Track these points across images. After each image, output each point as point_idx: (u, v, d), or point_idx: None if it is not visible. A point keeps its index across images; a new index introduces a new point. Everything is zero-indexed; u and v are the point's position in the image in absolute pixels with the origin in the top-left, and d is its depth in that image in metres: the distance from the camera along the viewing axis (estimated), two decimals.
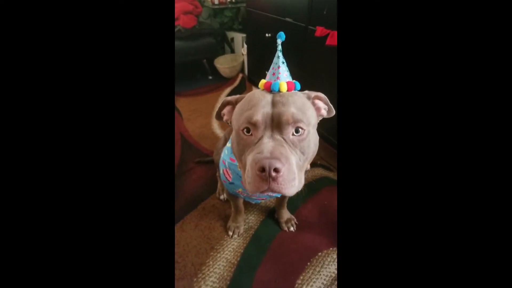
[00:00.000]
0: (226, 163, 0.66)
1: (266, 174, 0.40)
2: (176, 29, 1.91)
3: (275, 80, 0.50)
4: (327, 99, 0.55)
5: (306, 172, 0.71)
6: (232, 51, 2.44)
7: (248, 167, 0.44)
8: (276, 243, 0.86)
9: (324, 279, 0.76)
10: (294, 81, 0.52)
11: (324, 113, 0.56)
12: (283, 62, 0.51)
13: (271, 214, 0.97)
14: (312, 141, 0.48)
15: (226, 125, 1.46)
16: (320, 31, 1.02)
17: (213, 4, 2.20)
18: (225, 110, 0.58)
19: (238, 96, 0.55)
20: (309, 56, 1.22)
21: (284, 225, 0.90)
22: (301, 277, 0.76)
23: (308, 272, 0.78)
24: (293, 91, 0.50)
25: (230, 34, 2.39)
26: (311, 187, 1.08)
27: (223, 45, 2.48)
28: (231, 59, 2.26)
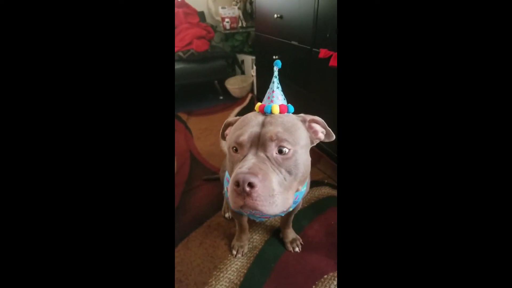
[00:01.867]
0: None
1: (241, 188, 0.41)
2: (189, 53, 2.02)
3: (268, 103, 0.53)
4: (325, 123, 0.56)
5: (307, 192, 0.71)
6: (242, 72, 2.53)
7: (230, 182, 0.45)
8: (281, 264, 0.84)
9: None
10: (288, 104, 0.54)
11: (321, 136, 0.57)
12: (277, 87, 0.54)
13: (276, 233, 0.95)
14: (300, 161, 0.48)
15: None
16: (323, 53, 1.06)
17: (225, 29, 2.33)
18: (228, 131, 0.62)
19: (238, 117, 0.58)
20: (313, 77, 1.26)
21: (289, 245, 0.89)
22: None
23: None
24: (285, 114, 0.52)
25: (241, 57, 2.50)
26: (317, 206, 1.06)
27: (234, 67, 2.59)
28: (241, 80, 2.34)
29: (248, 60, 2.35)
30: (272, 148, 0.46)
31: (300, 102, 1.41)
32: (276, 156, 0.46)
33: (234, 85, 2.27)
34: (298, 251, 0.88)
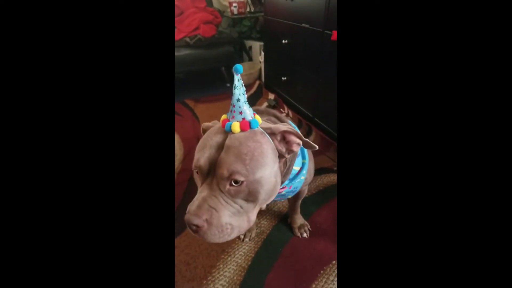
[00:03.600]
0: None
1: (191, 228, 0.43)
2: (196, 38, 1.99)
3: (229, 119, 0.47)
4: (299, 134, 0.49)
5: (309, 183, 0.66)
6: (250, 59, 2.49)
7: None
8: (288, 249, 0.84)
9: None
10: (251, 118, 0.47)
11: (295, 148, 0.50)
12: (238, 100, 0.46)
13: (284, 219, 0.94)
14: (258, 188, 0.45)
15: None
16: (336, 35, 1.02)
17: (233, 14, 2.27)
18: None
19: (211, 123, 0.54)
20: (325, 61, 1.21)
21: (297, 230, 0.88)
22: (314, 286, 0.73)
23: (321, 280, 0.74)
24: (248, 131, 0.46)
25: (248, 43, 2.45)
26: (326, 193, 1.05)
27: (241, 54, 2.54)
28: (248, 67, 2.30)
29: (256, 46, 2.30)
30: (224, 181, 0.44)
31: (311, 88, 1.37)
32: (229, 189, 0.44)
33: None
34: (306, 236, 0.87)
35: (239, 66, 0.46)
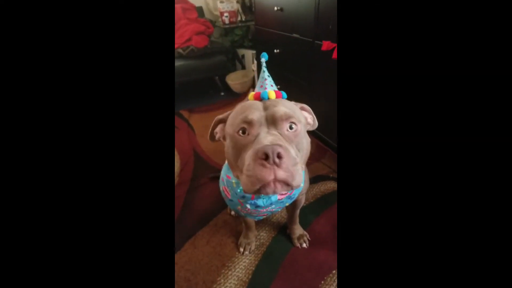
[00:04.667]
0: (224, 181, 0.67)
1: (271, 160, 0.40)
2: (189, 49, 2.00)
3: (263, 91, 0.54)
4: (311, 110, 0.60)
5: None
6: (243, 67, 2.50)
7: (248, 161, 0.43)
8: (289, 260, 0.84)
9: None
10: (281, 91, 0.56)
11: (310, 122, 0.60)
12: (268, 76, 0.57)
13: (283, 230, 0.95)
14: (305, 138, 0.50)
15: None
16: (326, 45, 1.04)
17: (224, 24, 2.29)
18: (218, 128, 0.60)
19: (229, 112, 0.57)
20: (316, 70, 1.23)
21: (296, 241, 0.88)
22: None
23: None
24: (281, 98, 0.55)
25: (241, 52, 2.47)
26: (323, 201, 1.06)
27: (234, 62, 2.55)
28: (242, 75, 2.32)
29: (249, 55, 2.32)
30: (284, 125, 0.47)
31: (302, 96, 1.39)
32: (288, 133, 0.47)
33: (235, 80, 2.24)
34: (306, 246, 0.87)
35: (264, 54, 0.59)
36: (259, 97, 0.54)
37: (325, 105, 1.20)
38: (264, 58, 0.59)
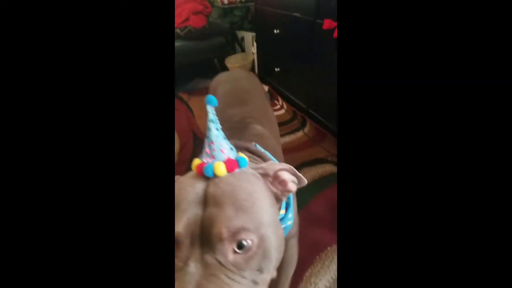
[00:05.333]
0: None
1: None
2: (186, 30, 1.95)
3: (208, 161, 0.36)
4: (294, 170, 0.40)
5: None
6: (243, 50, 2.46)
7: None
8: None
9: (333, 274, 0.75)
10: (238, 156, 0.37)
11: (291, 187, 0.39)
12: (217, 136, 0.37)
13: None
14: (272, 246, 0.32)
15: None
16: (328, 23, 1.01)
17: (223, 3, 2.23)
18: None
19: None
20: (318, 50, 1.21)
21: None
22: (310, 270, 0.76)
23: (317, 265, 0.77)
24: (236, 172, 0.36)
25: (240, 34, 2.41)
26: (320, 183, 1.07)
27: (234, 45, 2.50)
28: (241, 58, 2.28)
29: (248, 37, 2.27)
30: (226, 248, 0.30)
31: (304, 78, 1.37)
32: (235, 258, 0.30)
33: (234, 63, 2.21)
34: None
35: (211, 97, 0.37)
36: (202, 171, 0.35)
37: (327, 86, 1.19)
38: (210, 105, 0.37)
